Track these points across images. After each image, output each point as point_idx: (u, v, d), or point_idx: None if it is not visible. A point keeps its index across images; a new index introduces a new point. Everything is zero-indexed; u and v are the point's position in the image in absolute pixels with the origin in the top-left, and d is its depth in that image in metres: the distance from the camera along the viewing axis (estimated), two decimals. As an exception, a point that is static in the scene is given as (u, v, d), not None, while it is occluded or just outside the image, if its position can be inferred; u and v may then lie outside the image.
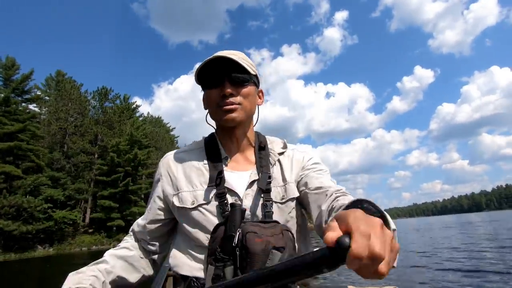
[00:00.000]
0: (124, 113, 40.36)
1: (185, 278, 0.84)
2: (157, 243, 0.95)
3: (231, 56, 0.84)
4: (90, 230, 32.74)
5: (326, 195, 0.79)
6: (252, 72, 0.90)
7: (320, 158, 1.00)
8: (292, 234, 0.80)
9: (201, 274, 0.81)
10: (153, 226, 0.93)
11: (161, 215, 0.93)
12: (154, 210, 0.94)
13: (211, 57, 0.85)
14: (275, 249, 0.70)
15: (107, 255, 0.88)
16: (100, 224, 32.69)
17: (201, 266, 0.82)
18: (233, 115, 0.87)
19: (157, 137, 43.67)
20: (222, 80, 0.87)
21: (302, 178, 0.92)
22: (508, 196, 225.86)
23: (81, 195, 32.62)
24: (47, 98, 36.47)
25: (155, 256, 0.95)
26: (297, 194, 0.90)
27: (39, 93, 35.46)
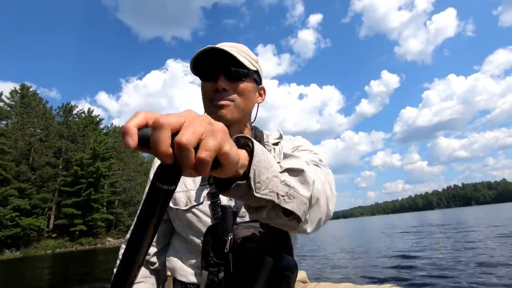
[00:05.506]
0: (87, 127, 44.11)
1: (181, 282, 0.81)
2: (155, 246, 0.93)
3: (229, 49, 0.78)
4: (54, 235, 36.51)
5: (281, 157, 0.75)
6: (252, 67, 0.84)
7: (309, 144, 0.92)
8: (287, 233, 0.78)
9: (196, 279, 0.79)
10: None
11: None
12: None
13: (205, 47, 0.78)
14: (269, 253, 0.68)
15: None
16: (63, 229, 36.56)
17: (195, 270, 0.80)
18: (224, 111, 0.81)
19: (119, 148, 47.64)
20: (217, 73, 0.80)
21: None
22: (455, 196, 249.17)
23: (46, 203, 36.25)
24: (9, 109, 39.28)
25: (154, 259, 0.92)
26: None
27: (2, 105, 38.43)
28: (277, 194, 0.50)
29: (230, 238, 0.71)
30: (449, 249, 7.83)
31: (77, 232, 36.68)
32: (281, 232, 0.74)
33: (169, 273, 0.87)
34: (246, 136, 0.49)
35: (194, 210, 0.82)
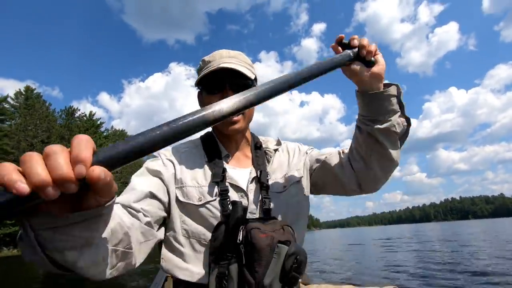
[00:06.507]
0: (88, 130, 45.33)
1: (183, 281, 0.80)
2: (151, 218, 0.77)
3: (232, 63, 0.86)
4: (51, 234, 37.46)
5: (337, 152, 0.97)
6: (252, 76, 0.89)
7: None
8: (292, 229, 0.81)
9: (202, 277, 0.78)
10: (147, 199, 0.79)
11: (157, 192, 0.81)
12: (151, 185, 0.81)
13: (214, 68, 0.85)
14: (280, 243, 0.71)
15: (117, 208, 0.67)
16: (60, 229, 37.45)
17: (202, 269, 0.80)
18: (236, 126, 0.90)
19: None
20: (223, 87, 0.87)
21: (309, 160, 1.01)
22: (452, 209, 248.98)
23: (45, 203, 37.14)
24: (13, 110, 40.65)
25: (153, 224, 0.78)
26: (298, 177, 0.95)
27: (7, 106, 39.84)
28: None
29: (242, 230, 0.73)
30: (447, 258, 8.33)
31: (73, 233, 37.56)
32: (286, 227, 0.79)
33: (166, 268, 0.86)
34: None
35: (208, 205, 0.83)
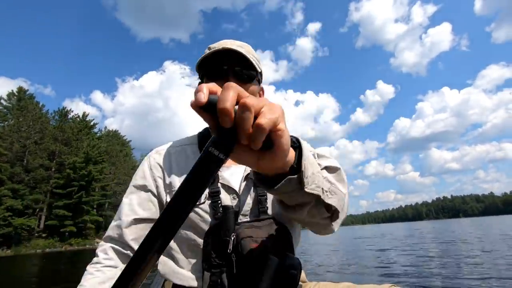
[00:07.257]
0: (82, 131, 45.69)
1: (178, 286, 0.79)
2: (137, 241, 0.82)
3: (240, 49, 0.78)
4: (44, 235, 37.83)
5: None
6: (258, 69, 0.84)
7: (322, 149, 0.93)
8: (288, 231, 0.77)
9: (196, 283, 0.77)
10: (134, 226, 0.82)
11: (144, 211, 0.83)
12: (136, 207, 0.84)
13: (219, 48, 0.79)
14: (273, 252, 0.67)
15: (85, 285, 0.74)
16: (54, 230, 37.90)
17: (195, 274, 0.78)
18: None
19: (112, 153, 49.23)
20: (226, 73, 0.80)
21: None
22: (444, 207, 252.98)
23: (38, 204, 37.61)
24: (6, 111, 40.89)
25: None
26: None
27: (1, 108, 40.13)
28: (322, 189, 0.54)
29: (233, 238, 0.70)
30: (441, 255, 8.43)
31: (67, 233, 38.02)
32: (283, 230, 0.76)
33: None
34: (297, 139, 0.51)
35: (196, 209, 0.80)
